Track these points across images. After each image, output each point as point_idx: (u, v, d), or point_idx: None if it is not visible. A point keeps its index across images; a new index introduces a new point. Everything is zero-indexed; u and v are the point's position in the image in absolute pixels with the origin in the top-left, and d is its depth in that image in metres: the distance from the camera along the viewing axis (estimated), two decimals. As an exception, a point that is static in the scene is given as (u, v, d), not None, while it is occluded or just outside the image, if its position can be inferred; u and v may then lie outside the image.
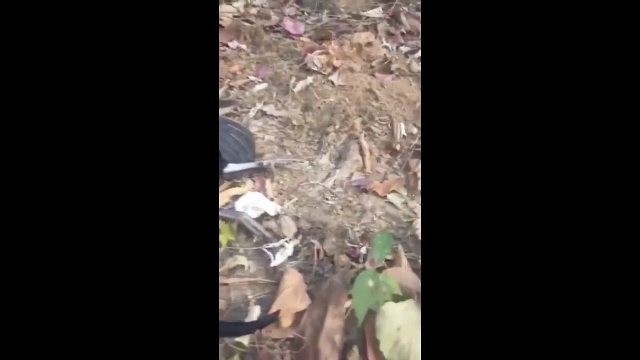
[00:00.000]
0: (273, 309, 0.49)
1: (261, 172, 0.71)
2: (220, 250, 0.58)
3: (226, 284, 0.54)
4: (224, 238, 0.59)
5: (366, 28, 1.11)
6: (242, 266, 0.56)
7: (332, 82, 0.91)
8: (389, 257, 0.57)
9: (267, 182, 0.70)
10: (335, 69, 0.94)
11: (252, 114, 0.85)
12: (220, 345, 0.47)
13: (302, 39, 1.07)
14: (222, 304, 0.52)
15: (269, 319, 0.48)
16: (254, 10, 1.17)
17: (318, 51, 0.97)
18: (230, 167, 0.67)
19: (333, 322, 0.48)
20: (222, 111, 0.86)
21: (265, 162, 0.70)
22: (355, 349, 0.47)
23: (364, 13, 1.17)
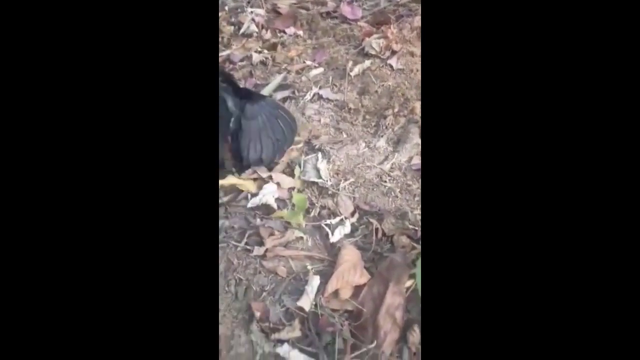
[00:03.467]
0: (332, 282, 0.49)
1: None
2: (278, 223, 0.59)
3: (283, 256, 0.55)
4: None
5: (426, 12, 1.07)
6: (301, 238, 0.57)
7: (391, 66, 0.89)
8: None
9: (324, 162, 0.70)
10: (394, 52, 0.91)
11: (308, 97, 0.86)
12: (282, 310, 0.48)
13: (359, 23, 1.06)
14: (283, 271, 0.53)
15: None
16: (311, -3, 1.18)
17: (376, 35, 0.96)
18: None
19: (394, 299, 0.47)
20: (279, 95, 0.87)
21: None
22: (417, 329, 0.46)
23: (424, -3, 1.13)
